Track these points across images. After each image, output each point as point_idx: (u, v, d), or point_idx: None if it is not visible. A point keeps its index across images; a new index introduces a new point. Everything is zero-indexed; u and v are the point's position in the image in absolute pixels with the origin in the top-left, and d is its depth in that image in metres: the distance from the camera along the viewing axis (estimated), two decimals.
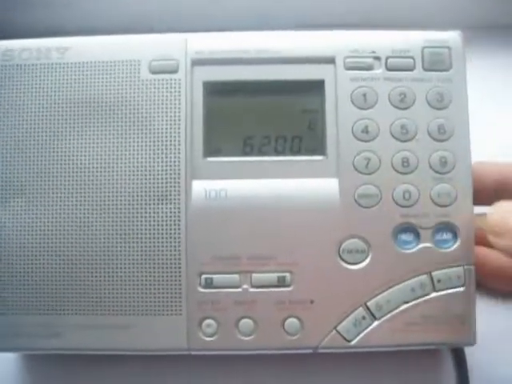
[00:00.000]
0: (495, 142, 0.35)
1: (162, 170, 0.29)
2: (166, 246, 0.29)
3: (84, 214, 0.29)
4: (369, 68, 0.30)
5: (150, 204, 0.29)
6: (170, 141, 0.29)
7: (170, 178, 0.29)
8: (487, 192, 0.29)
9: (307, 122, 0.30)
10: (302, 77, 0.30)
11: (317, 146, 0.30)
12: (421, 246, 0.29)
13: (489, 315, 0.31)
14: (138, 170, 0.29)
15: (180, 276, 0.29)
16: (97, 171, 0.29)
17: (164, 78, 0.30)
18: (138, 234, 0.29)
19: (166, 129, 0.29)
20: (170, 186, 0.29)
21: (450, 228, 0.29)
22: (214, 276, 0.29)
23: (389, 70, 0.30)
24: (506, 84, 0.37)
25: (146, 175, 0.29)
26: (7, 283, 0.29)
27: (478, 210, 0.29)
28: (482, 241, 0.29)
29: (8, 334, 0.29)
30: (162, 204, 0.29)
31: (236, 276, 0.29)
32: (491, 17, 0.38)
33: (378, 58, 0.30)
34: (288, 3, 0.37)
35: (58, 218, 0.29)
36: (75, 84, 0.30)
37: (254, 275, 0.29)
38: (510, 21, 0.39)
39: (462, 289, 0.29)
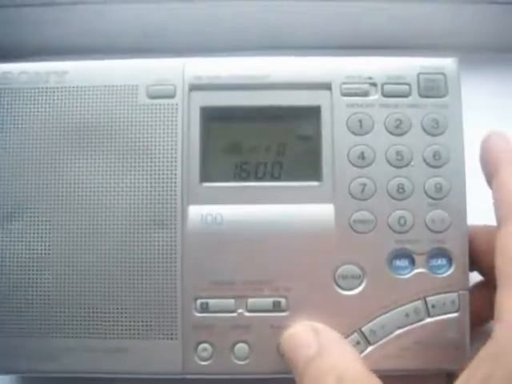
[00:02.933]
0: None
1: (159, 195, 0.29)
2: (162, 271, 0.29)
3: (80, 238, 0.29)
4: (365, 94, 0.30)
5: (146, 228, 0.29)
6: (167, 166, 0.29)
7: (167, 203, 0.29)
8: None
9: (303, 147, 0.30)
10: (298, 103, 0.30)
11: (312, 171, 0.30)
12: (415, 271, 0.29)
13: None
14: (134, 195, 0.29)
15: (176, 300, 0.29)
16: (93, 195, 0.29)
17: (161, 102, 0.30)
18: (134, 258, 0.29)
19: (163, 153, 0.29)
20: (167, 211, 0.29)
21: (444, 254, 0.29)
22: (209, 301, 0.29)
23: (385, 96, 0.30)
24: (502, 108, 0.37)
25: (142, 199, 0.29)
26: (4, 305, 0.29)
27: None
28: None
29: (4, 356, 0.29)
30: (159, 228, 0.29)
31: (231, 301, 0.29)
32: (488, 40, 0.38)
33: (374, 85, 0.30)
34: (285, 26, 0.38)
35: (55, 241, 0.29)
36: (73, 108, 0.30)
37: (249, 300, 0.29)
38: (507, 44, 0.39)
39: (456, 314, 0.29)
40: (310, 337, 0.27)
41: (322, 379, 0.25)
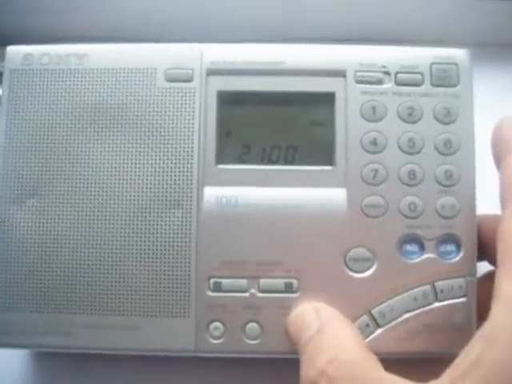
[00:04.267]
0: None
1: (175, 176, 0.30)
2: (177, 250, 0.29)
3: (96, 216, 0.30)
4: (378, 82, 0.31)
5: (162, 208, 0.30)
6: (184, 147, 0.30)
7: (183, 184, 0.30)
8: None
9: (317, 132, 0.31)
10: (313, 89, 0.31)
11: (326, 156, 0.30)
12: (425, 256, 0.30)
13: None
14: (151, 176, 0.30)
15: (189, 279, 0.29)
16: (110, 175, 0.30)
17: (179, 86, 0.30)
18: (149, 237, 0.29)
19: (180, 135, 0.30)
20: (183, 192, 0.30)
21: (453, 240, 0.30)
22: (222, 280, 0.29)
23: (398, 84, 0.31)
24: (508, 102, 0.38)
25: (159, 180, 0.30)
26: (19, 281, 0.30)
27: None
28: None
29: (18, 331, 0.30)
30: (174, 209, 0.30)
31: (244, 281, 0.29)
32: (499, 35, 0.39)
33: (387, 73, 0.31)
34: (301, 17, 0.38)
35: (71, 219, 0.30)
36: (93, 90, 0.31)
37: (261, 280, 0.29)
38: None
39: (463, 299, 0.29)
40: (312, 317, 0.28)
41: (316, 357, 0.25)
